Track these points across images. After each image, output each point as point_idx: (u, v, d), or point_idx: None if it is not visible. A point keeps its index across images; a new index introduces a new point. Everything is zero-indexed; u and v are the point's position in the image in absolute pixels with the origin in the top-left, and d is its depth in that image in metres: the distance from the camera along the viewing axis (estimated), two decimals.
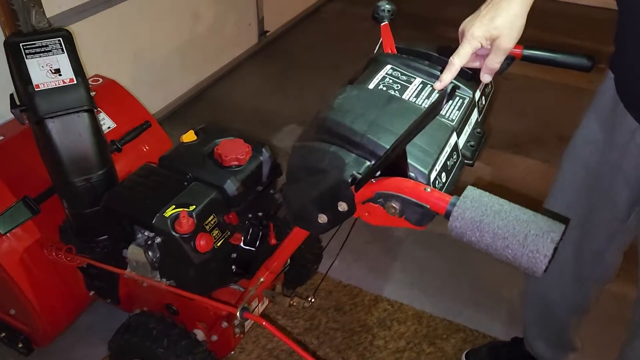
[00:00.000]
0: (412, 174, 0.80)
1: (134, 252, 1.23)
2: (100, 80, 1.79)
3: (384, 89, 0.95)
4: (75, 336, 1.72)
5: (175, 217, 1.15)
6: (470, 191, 0.72)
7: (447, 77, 0.92)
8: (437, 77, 0.98)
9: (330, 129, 0.85)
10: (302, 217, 0.90)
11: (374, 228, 2.15)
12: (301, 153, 0.87)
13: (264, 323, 1.05)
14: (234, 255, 1.32)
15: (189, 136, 1.38)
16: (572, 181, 1.21)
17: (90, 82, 1.78)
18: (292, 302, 1.44)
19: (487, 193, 0.72)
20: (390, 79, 0.97)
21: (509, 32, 0.86)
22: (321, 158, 0.84)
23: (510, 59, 1.12)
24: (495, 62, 0.91)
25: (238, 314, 1.09)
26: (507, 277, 1.95)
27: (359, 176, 0.79)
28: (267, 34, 3.41)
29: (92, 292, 1.60)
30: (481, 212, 0.69)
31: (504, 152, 2.63)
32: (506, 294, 1.92)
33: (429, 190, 0.74)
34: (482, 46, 0.89)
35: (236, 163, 1.29)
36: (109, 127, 1.68)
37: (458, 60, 0.90)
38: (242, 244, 1.32)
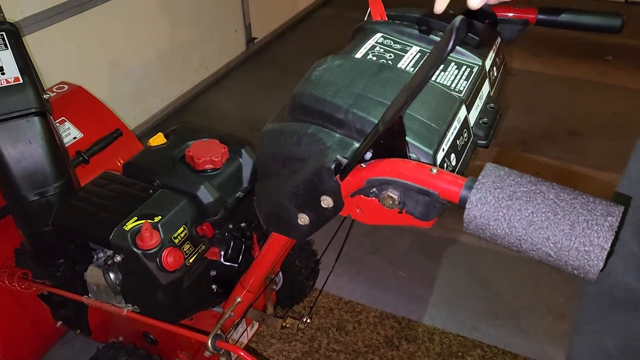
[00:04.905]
0: (413, 155, 0.62)
1: (93, 275, 1.05)
2: (66, 87, 1.64)
3: (374, 59, 0.78)
4: None
5: (137, 231, 0.98)
6: (491, 169, 0.54)
7: None
8: None
9: (307, 106, 0.68)
10: (277, 220, 0.72)
11: (376, 237, 1.99)
12: (272, 139, 0.70)
13: (241, 353, 0.86)
14: (213, 273, 1.16)
15: (157, 139, 1.22)
16: None
17: (54, 90, 1.64)
18: (285, 324, 1.29)
19: (514, 170, 0.54)
20: (381, 48, 0.80)
21: None
22: (297, 142, 0.66)
23: (522, 25, 0.97)
24: None
25: (209, 343, 0.90)
26: (525, 283, 1.82)
27: (345, 161, 0.62)
28: (255, 40, 3.27)
29: (59, 323, 1.42)
30: (508, 195, 0.51)
31: (512, 150, 2.48)
32: (525, 303, 1.77)
33: (435, 171, 0.57)
34: None
35: (211, 166, 1.14)
36: (74, 137, 1.53)
37: None
38: (222, 260, 1.15)
